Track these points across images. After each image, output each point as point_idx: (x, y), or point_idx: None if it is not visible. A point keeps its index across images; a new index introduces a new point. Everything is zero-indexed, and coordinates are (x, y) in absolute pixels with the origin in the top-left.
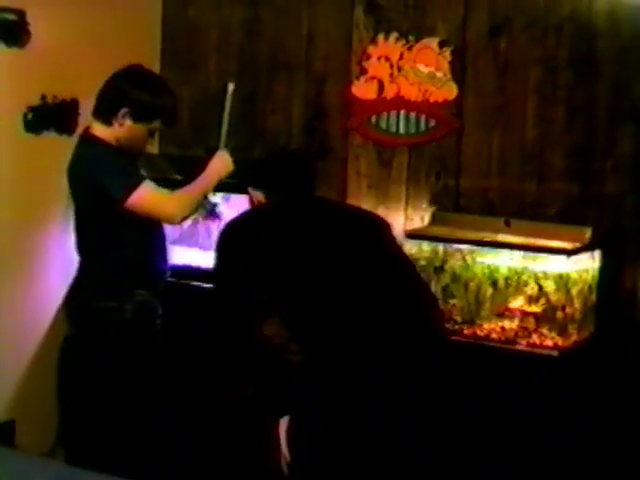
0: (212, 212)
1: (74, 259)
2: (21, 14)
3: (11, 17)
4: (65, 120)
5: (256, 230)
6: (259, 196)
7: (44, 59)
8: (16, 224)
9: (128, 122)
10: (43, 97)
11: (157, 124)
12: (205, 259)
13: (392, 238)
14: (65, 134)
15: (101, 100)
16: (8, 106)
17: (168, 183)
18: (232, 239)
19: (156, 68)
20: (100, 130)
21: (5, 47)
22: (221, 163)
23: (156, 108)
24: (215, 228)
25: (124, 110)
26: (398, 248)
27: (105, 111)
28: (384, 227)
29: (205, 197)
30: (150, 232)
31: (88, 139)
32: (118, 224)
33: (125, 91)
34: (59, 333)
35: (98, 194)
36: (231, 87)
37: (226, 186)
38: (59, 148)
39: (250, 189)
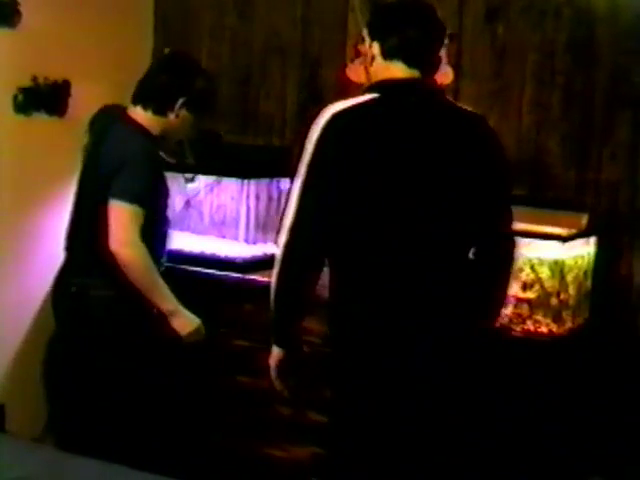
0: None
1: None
2: None
3: None
4: (56, 102)
5: (368, 120)
6: (373, 49)
7: (35, 40)
8: (4, 206)
9: (184, 113)
10: (34, 78)
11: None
12: (197, 243)
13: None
14: (55, 116)
15: (152, 89)
16: None
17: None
18: (340, 128)
19: (148, 50)
20: (144, 117)
21: None
22: (188, 327)
23: (212, 97)
24: (206, 212)
25: (181, 101)
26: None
27: (160, 101)
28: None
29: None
30: (152, 218)
31: (131, 124)
32: None
33: (187, 82)
34: (49, 318)
35: (108, 178)
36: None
37: (218, 170)
38: (49, 130)
39: (369, 40)
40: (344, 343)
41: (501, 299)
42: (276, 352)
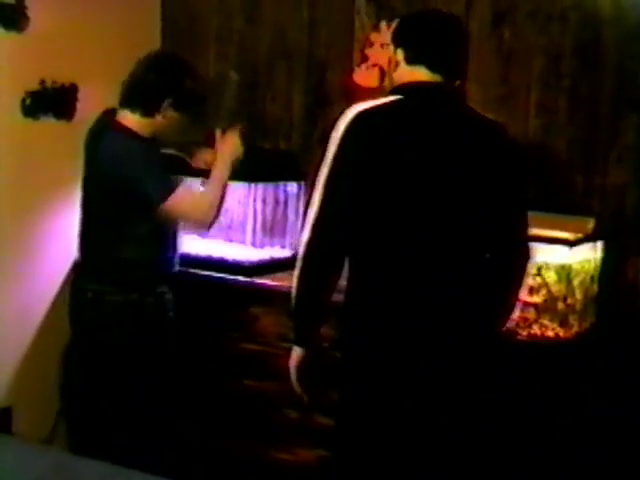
0: None
1: (72, 245)
2: None
3: (9, 1)
4: (64, 105)
5: (390, 121)
6: (397, 56)
7: (43, 44)
8: (13, 209)
9: (171, 113)
10: (42, 82)
11: (192, 114)
12: (204, 247)
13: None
14: (63, 119)
15: (138, 90)
16: (6, 91)
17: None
18: (364, 127)
19: None
20: (134, 122)
21: (4, 31)
22: (228, 149)
23: (199, 95)
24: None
25: (168, 101)
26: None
27: (146, 102)
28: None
29: None
30: (164, 223)
31: (121, 131)
32: (139, 216)
33: (172, 80)
34: (57, 321)
35: (133, 193)
36: (234, 76)
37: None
38: (57, 133)
39: (394, 47)
40: (354, 345)
41: (512, 304)
42: (297, 353)
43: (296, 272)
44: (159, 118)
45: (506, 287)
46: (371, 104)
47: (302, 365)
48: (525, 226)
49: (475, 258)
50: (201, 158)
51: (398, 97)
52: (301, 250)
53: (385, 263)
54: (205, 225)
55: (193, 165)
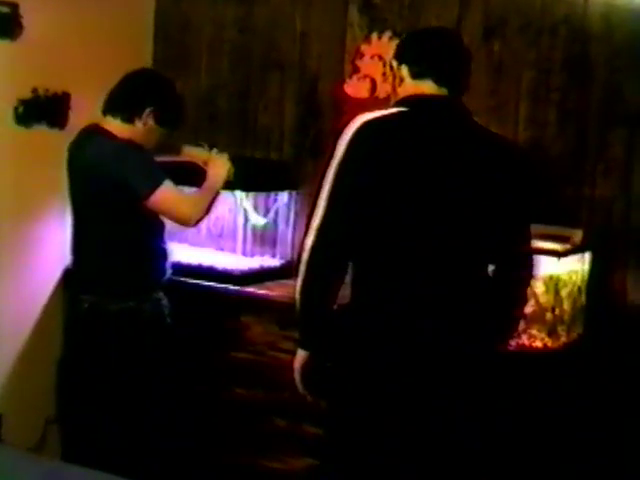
0: None
1: (65, 252)
2: (14, 7)
3: (4, 10)
4: (56, 114)
5: (397, 131)
6: (402, 72)
7: (36, 52)
8: (5, 217)
9: (150, 122)
10: (34, 90)
11: (169, 128)
12: (195, 255)
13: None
14: (56, 128)
15: (122, 95)
16: None
17: None
18: (370, 136)
19: (148, 64)
20: (115, 127)
21: None
22: (219, 167)
23: (179, 112)
24: (204, 224)
25: (149, 109)
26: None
27: (128, 109)
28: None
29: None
30: (155, 228)
31: (103, 135)
32: (131, 222)
33: (155, 91)
34: (48, 327)
35: (120, 190)
36: (205, 146)
37: None
38: (50, 141)
39: (395, 63)
40: (351, 351)
41: (516, 317)
42: (301, 355)
43: (300, 276)
44: (139, 125)
45: (509, 299)
46: (377, 114)
47: (306, 367)
48: (529, 239)
49: (478, 270)
50: (188, 154)
51: (403, 109)
52: (305, 255)
53: (387, 271)
54: (189, 222)
55: (180, 159)
